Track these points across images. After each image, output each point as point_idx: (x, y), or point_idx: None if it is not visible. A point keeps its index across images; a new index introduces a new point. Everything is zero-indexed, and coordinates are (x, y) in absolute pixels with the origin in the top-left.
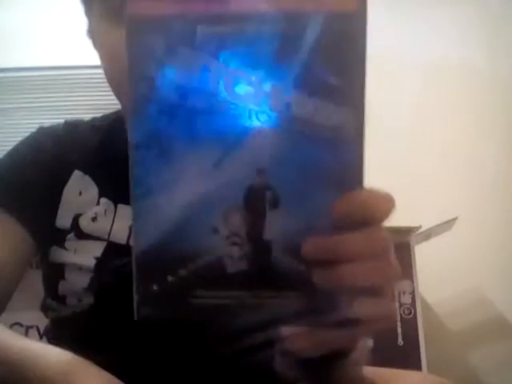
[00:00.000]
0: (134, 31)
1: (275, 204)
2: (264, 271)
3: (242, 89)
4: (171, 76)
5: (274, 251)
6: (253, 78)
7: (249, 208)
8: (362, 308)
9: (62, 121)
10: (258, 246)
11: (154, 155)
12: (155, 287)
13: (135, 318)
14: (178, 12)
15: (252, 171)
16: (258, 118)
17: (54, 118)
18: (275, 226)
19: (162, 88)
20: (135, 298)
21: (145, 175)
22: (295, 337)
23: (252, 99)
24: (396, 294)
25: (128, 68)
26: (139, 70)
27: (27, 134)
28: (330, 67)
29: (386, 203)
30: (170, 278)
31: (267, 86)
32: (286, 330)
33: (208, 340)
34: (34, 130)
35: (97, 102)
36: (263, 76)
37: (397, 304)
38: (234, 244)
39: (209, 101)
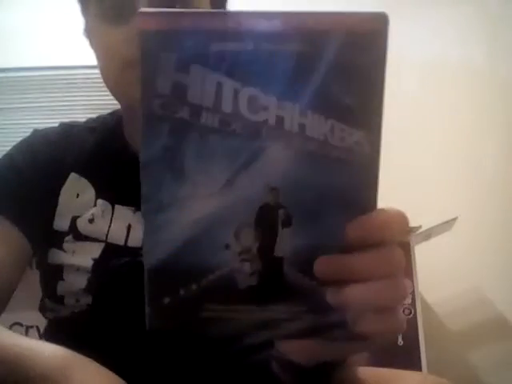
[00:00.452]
0: (147, 47)
1: (288, 222)
2: (274, 287)
3: (256, 107)
4: (184, 93)
5: (285, 268)
6: (267, 98)
7: (261, 226)
8: (371, 325)
9: (58, 122)
10: (269, 263)
11: (166, 172)
12: (167, 300)
13: (147, 329)
14: (192, 28)
15: (264, 190)
16: (271, 138)
17: (53, 118)
18: (287, 244)
19: (174, 105)
20: (147, 310)
21: (156, 191)
22: (298, 348)
23: (266, 119)
24: None
25: (140, 84)
26: (151, 85)
27: (26, 135)
28: (346, 88)
29: (399, 223)
30: (181, 292)
31: (282, 105)
32: (288, 341)
33: (207, 343)
34: (32, 130)
35: (96, 101)
36: (278, 95)
37: None
38: (246, 260)
39: (222, 119)
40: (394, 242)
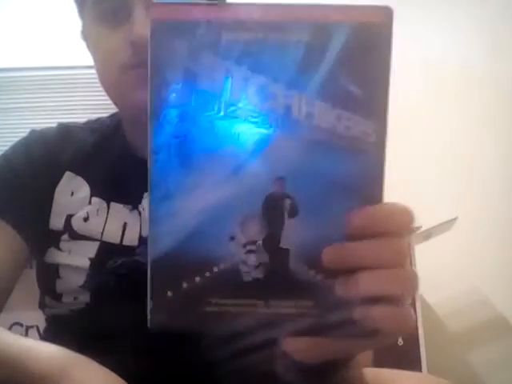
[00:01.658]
0: (158, 35)
1: (293, 213)
2: (279, 280)
3: (265, 96)
4: (193, 81)
5: (291, 260)
6: (276, 87)
7: (267, 216)
8: (380, 317)
9: (58, 122)
10: (275, 255)
11: (173, 160)
12: (170, 294)
13: (148, 325)
14: (203, 17)
15: (271, 179)
16: (278, 127)
17: (53, 118)
18: (293, 235)
19: (183, 93)
20: (149, 304)
21: (163, 180)
22: (303, 346)
23: (274, 107)
24: None
25: (149, 72)
26: (161, 74)
27: (23, 136)
28: (354, 78)
29: (403, 217)
30: (185, 285)
31: (290, 95)
32: (292, 338)
33: (207, 340)
34: (30, 130)
35: (96, 102)
36: (287, 85)
37: None
38: (251, 252)
39: (230, 107)
40: (399, 235)
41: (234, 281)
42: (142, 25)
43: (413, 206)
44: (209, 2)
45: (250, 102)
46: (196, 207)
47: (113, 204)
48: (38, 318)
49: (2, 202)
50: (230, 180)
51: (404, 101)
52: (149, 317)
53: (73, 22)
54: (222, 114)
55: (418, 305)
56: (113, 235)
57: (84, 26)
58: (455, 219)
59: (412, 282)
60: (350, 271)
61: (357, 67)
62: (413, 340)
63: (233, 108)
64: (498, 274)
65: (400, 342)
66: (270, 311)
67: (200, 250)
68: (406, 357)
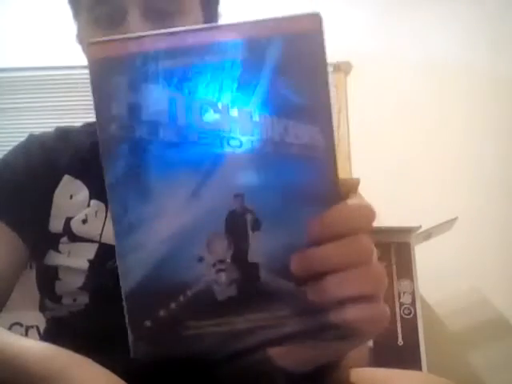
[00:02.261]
0: (98, 74)
1: (256, 226)
2: (253, 294)
3: (210, 117)
4: (139, 113)
5: (261, 273)
6: (219, 106)
7: (231, 233)
8: (355, 316)
9: (57, 122)
10: (245, 270)
11: (132, 192)
12: (148, 323)
13: (131, 355)
14: (139, 50)
15: (230, 197)
16: (229, 144)
17: (53, 119)
18: (259, 248)
19: (130, 126)
20: (130, 335)
21: (124, 213)
22: (288, 354)
23: (221, 126)
24: (396, 293)
25: (95, 110)
26: (106, 110)
27: (25, 135)
28: (293, 87)
29: (363, 214)
30: (161, 313)
31: (235, 112)
32: (273, 348)
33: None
34: (33, 130)
35: None
36: (230, 102)
37: (397, 304)
38: (221, 270)
39: (179, 133)
40: (361, 232)
41: (208, 301)
42: (136, 28)
43: (413, 206)
44: (140, 34)
45: (196, 124)
46: (161, 235)
47: None
48: (38, 318)
49: (2, 204)
50: (190, 203)
51: (405, 100)
52: (131, 348)
53: (72, 22)
54: (171, 140)
55: (417, 305)
56: (111, 237)
57: (79, 30)
58: (455, 219)
59: (380, 277)
60: (320, 276)
61: (295, 76)
62: (413, 340)
63: (181, 133)
64: (498, 274)
65: (400, 342)
66: (248, 326)
67: (171, 276)
68: (405, 357)
